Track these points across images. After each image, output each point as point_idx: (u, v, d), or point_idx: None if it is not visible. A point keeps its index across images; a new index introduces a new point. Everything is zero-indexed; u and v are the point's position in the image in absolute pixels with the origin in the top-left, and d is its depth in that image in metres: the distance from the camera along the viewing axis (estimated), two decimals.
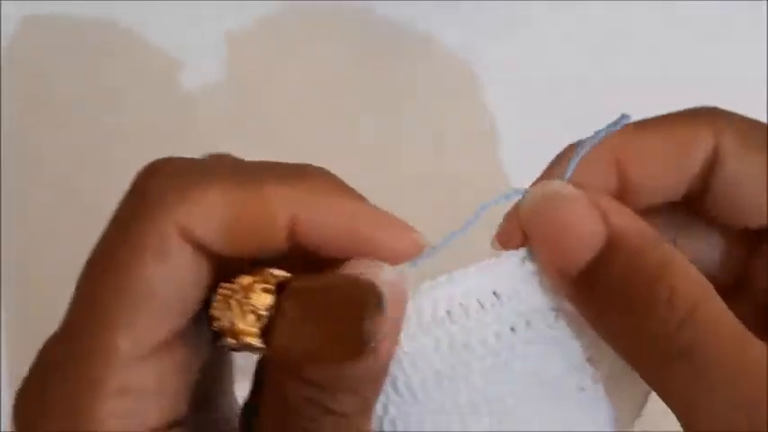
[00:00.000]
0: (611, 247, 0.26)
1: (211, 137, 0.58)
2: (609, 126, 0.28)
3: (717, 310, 0.26)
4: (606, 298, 0.26)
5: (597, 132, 0.28)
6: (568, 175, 0.28)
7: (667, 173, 0.29)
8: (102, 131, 0.59)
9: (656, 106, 0.31)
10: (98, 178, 0.57)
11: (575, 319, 0.28)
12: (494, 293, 0.28)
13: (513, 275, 0.28)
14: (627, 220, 0.27)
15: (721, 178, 0.28)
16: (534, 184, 0.29)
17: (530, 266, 0.28)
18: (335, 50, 0.61)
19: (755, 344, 0.25)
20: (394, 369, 0.27)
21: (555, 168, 0.29)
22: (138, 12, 0.61)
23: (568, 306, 0.28)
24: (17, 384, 0.28)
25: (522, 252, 0.28)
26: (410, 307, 0.27)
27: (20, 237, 0.57)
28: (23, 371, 0.28)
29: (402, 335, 0.27)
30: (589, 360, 0.29)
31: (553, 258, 0.27)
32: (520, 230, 0.28)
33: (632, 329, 0.26)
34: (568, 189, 0.27)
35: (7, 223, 0.57)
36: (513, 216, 0.28)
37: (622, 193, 0.29)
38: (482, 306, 0.28)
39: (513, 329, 0.28)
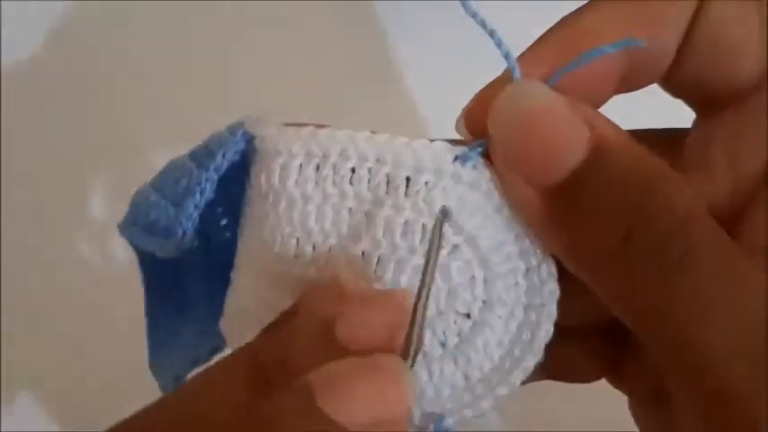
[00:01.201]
0: (600, 154, 0.24)
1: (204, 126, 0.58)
2: (617, 44, 0.25)
3: (708, 216, 0.24)
4: (593, 209, 0.24)
5: (600, 49, 0.25)
6: (553, 81, 0.25)
7: (676, 28, 0.26)
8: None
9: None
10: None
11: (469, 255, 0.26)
12: (407, 178, 0.25)
13: (439, 171, 0.25)
14: (610, 126, 0.25)
15: (706, 25, 0.26)
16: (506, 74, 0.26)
17: (464, 173, 0.25)
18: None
19: (743, 253, 0.24)
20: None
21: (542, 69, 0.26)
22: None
23: (472, 229, 0.25)
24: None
25: (460, 150, 0.25)
26: (320, 147, 0.26)
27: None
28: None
29: (299, 169, 0.26)
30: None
31: (524, 165, 0.24)
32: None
33: (621, 246, 0.24)
34: (548, 91, 0.25)
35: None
36: (486, 98, 0.25)
37: (628, 76, 0.26)
38: (387, 183, 0.25)
39: (405, 224, 0.25)
